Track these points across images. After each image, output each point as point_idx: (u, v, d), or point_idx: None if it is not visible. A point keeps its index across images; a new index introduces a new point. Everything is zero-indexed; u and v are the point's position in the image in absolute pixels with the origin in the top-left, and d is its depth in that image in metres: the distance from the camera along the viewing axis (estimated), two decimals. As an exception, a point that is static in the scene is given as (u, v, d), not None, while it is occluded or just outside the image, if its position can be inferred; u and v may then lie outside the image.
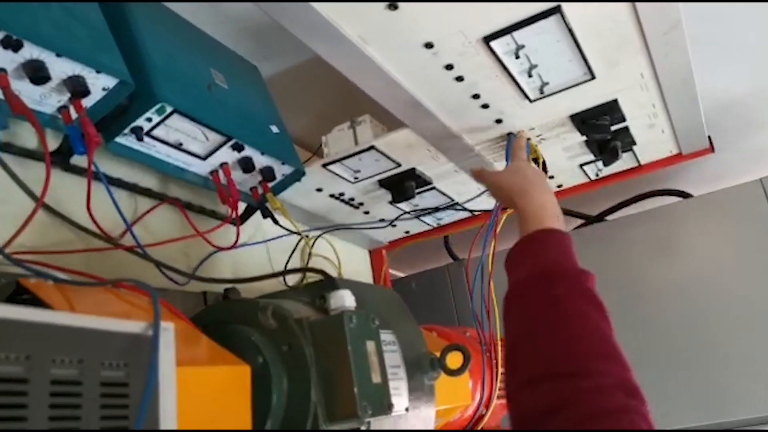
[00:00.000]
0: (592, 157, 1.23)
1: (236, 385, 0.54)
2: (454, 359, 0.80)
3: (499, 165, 1.17)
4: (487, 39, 0.82)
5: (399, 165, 1.14)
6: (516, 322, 0.71)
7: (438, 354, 0.82)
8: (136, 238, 0.83)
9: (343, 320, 0.61)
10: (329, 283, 0.69)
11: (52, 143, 0.81)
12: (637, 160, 1.29)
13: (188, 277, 0.83)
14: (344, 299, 0.65)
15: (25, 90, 0.68)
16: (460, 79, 0.90)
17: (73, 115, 0.75)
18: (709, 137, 1.26)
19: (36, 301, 0.54)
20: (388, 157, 1.11)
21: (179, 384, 0.49)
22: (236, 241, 0.96)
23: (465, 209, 1.38)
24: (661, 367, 1.39)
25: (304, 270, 0.94)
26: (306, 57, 1.17)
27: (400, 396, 0.72)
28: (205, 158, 0.94)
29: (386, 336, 0.75)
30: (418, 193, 1.25)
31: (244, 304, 0.67)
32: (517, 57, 0.87)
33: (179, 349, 0.55)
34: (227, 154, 0.95)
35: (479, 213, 1.41)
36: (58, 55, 0.66)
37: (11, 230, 0.68)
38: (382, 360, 0.65)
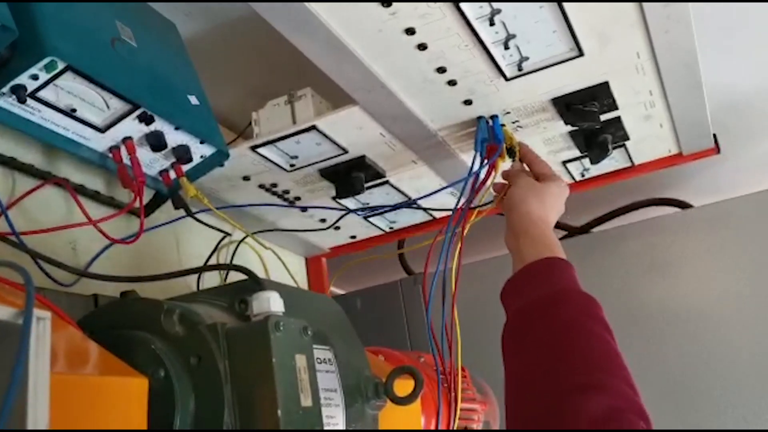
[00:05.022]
0: (577, 153, 1.26)
1: (129, 402, 0.53)
2: (403, 385, 0.81)
3: (465, 156, 1.19)
4: (457, -1, 0.83)
5: (345, 151, 1.15)
6: (521, 352, 0.83)
7: (384, 379, 0.82)
8: (11, 223, 0.81)
9: (268, 327, 0.61)
10: (253, 285, 0.69)
11: None
12: (631, 160, 1.32)
13: (74, 273, 0.81)
14: (270, 303, 0.64)
15: None
16: (422, 47, 0.91)
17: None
18: (715, 136, 1.31)
19: None
20: (333, 141, 1.11)
21: (58, 397, 0.47)
22: (140, 234, 0.94)
23: (422, 208, 1.38)
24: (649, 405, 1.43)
25: (223, 267, 0.93)
26: (236, 15, 1.17)
27: (335, 426, 0.72)
28: (104, 131, 0.92)
29: (322, 353, 0.75)
30: (368, 187, 1.26)
31: (144, 306, 0.66)
32: (492, 24, 0.89)
33: (60, 357, 0.54)
34: (132, 127, 0.93)
35: (443, 215, 1.43)
36: None
37: None
38: (315, 380, 0.65)
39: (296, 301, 0.73)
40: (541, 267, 0.90)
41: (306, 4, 0.81)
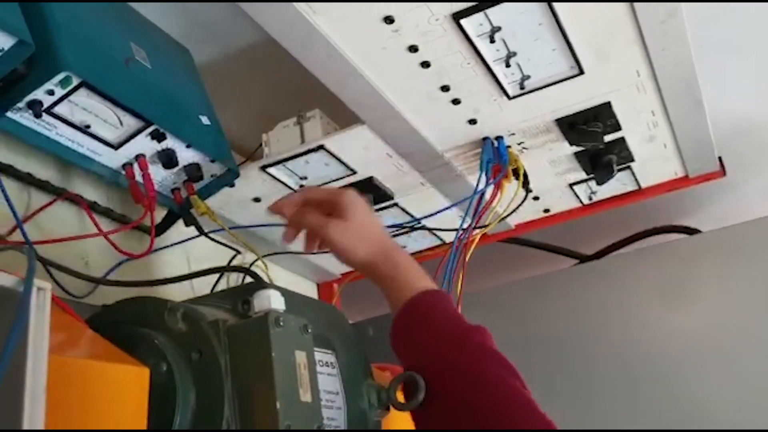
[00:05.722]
0: (583, 175, 1.27)
1: (131, 390, 0.54)
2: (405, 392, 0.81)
3: (473, 178, 1.20)
4: (457, 16, 0.86)
5: (354, 172, 1.17)
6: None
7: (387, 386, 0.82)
8: (26, 234, 0.83)
9: (268, 322, 0.62)
10: (255, 286, 0.70)
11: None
12: (637, 182, 1.33)
13: (85, 279, 0.83)
14: (271, 300, 0.66)
15: None
16: (426, 64, 0.94)
17: (-43, 80, 0.76)
18: (720, 159, 1.32)
19: None
20: (341, 161, 1.13)
21: (61, 380, 0.49)
22: (150, 247, 0.96)
23: (427, 228, 1.39)
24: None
25: (227, 269, 0.95)
26: (248, 41, 1.20)
27: (336, 429, 0.72)
28: (117, 147, 0.95)
29: (324, 356, 0.75)
30: (378, 210, 1.27)
31: (149, 304, 0.67)
32: (493, 41, 0.91)
33: (65, 345, 0.55)
34: (144, 144, 0.96)
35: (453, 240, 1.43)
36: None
37: None
38: (315, 377, 0.66)
39: (300, 305, 0.75)
40: (423, 302, 0.84)
41: (312, 22, 0.83)
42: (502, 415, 0.74)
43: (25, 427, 0.39)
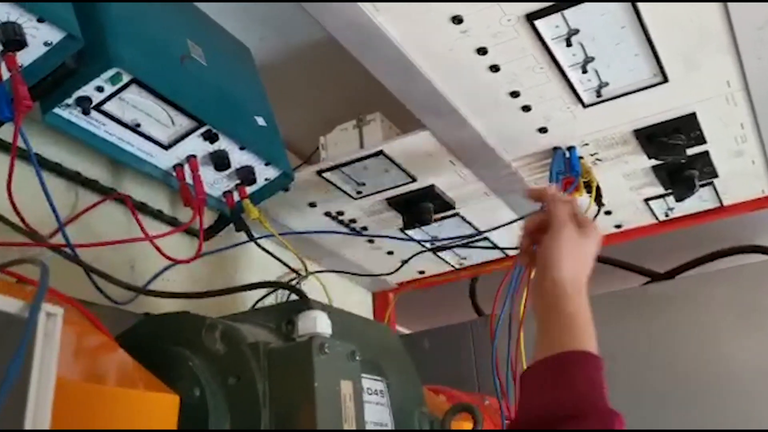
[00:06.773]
0: (661, 190, 1.19)
1: (156, 419, 0.50)
2: (461, 424, 0.75)
3: (541, 190, 1.13)
4: (531, 17, 0.79)
5: (414, 179, 1.11)
6: None
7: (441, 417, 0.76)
8: (66, 235, 0.80)
9: (311, 348, 0.57)
10: (301, 305, 0.65)
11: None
12: (719, 200, 1.24)
13: (125, 288, 0.79)
14: (316, 323, 0.60)
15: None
16: (495, 68, 0.88)
17: (5, 74, 0.73)
18: (812, 178, 1.22)
19: None
20: (401, 168, 1.08)
21: (79, 406, 0.45)
22: (198, 252, 0.92)
23: (492, 244, 1.32)
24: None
25: (272, 285, 0.90)
26: (309, 40, 1.16)
27: (382, 463, 0.67)
28: (168, 147, 0.91)
29: (373, 383, 0.70)
30: (437, 219, 1.21)
31: (187, 320, 0.63)
32: (569, 44, 0.84)
33: (88, 366, 0.51)
34: (197, 145, 0.92)
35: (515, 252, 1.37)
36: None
37: None
38: (361, 410, 0.60)
39: (349, 326, 0.69)
40: (564, 364, 0.74)
41: (375, 21, 0.78)
42: None
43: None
